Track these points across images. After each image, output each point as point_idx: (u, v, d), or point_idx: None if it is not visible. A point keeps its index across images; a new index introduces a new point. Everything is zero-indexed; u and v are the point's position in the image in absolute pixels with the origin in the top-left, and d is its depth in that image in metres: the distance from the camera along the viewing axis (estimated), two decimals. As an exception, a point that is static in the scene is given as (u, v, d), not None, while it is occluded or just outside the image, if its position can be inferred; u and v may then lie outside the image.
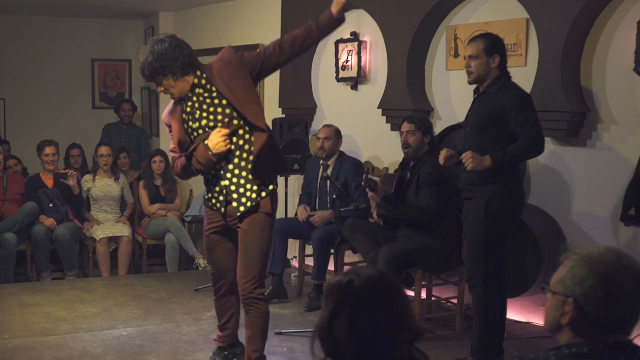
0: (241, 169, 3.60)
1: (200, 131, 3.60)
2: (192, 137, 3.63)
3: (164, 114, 3.80)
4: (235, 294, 3.88)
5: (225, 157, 3.59)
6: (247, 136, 3.58)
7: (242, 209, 3.62)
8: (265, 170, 3.63)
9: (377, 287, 1.71)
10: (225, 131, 3.53)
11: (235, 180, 3.61)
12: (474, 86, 4.03)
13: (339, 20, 3.48)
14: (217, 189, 3.66)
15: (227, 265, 3.83)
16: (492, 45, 3.91)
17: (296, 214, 5.65)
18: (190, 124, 3.62)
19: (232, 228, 3.73)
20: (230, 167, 3.60)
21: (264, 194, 3.63)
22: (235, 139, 3.57)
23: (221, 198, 3.67)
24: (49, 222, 6.43)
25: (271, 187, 3.67)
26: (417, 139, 4.70)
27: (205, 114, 3.59)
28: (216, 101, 3.57)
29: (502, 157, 3.79)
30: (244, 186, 3.61)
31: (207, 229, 3.83)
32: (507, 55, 3.97)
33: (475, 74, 3.93)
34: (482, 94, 3.96)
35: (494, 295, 3.95)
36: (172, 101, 3.71)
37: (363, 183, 4.65)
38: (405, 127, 4.76)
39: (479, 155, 3.81)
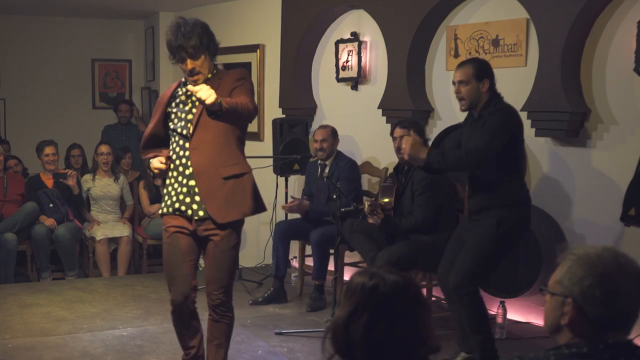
0: None
1: (180, 124, 3.38)
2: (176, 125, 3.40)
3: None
4: (197, 317, 3.63)
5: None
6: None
7: (201, 213, 3.35)
8: (222, 212, 3.35)
9: (401, 296, 1.68)
10: (162, 166, 3.37)
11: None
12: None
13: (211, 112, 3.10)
14: (185, 189, 3.37)
15: (193, 283, 3.49)
16: (480, 70, 3.88)
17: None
18: (177, 114, 3.42)
19: (202, 236, 3.41)
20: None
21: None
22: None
23: (187, 199, 3.38)
24: (49, 222, 6.43)
25: None
26: None
27: (182, 115, 3.40)
28: (194, 110, 3.39)
29: (436, 156, 3.79)
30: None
31: (170, 231, 3.44)
32: (494, 79, 3.93)
33: (467, 100, 3.91)
34: (477, 119, 3.92)
35: (481, 298, 3.95)
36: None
37: (365, 210, 4.66)
38: (398, 132, 4.75)
39: (419, 145, 3.86)
